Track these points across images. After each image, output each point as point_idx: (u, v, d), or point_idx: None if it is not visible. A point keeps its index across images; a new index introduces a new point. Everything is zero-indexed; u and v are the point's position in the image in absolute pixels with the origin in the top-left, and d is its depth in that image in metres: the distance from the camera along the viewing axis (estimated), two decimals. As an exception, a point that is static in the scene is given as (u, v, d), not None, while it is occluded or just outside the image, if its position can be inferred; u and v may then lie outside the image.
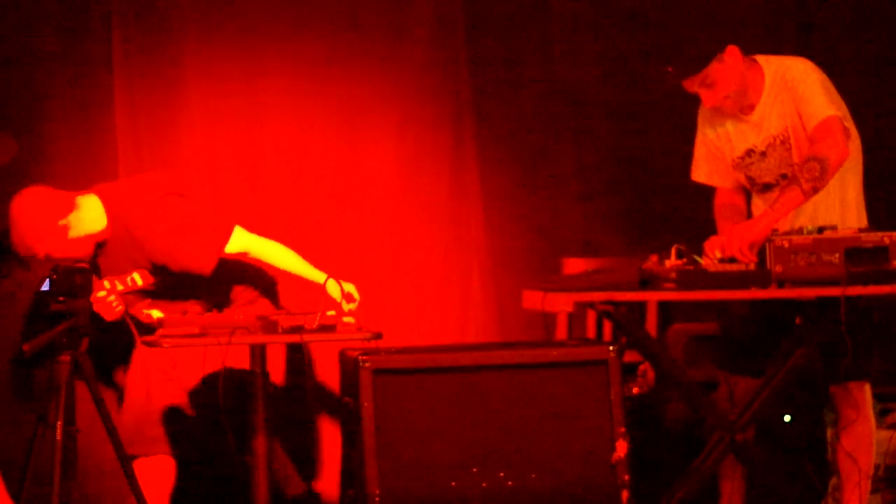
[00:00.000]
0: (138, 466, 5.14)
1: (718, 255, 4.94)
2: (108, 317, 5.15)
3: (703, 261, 4.92)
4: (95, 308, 5.05)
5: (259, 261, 5.27)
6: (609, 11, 6.41)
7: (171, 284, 5.27)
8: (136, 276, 5.26)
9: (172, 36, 6.06)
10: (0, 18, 5.93)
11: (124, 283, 5.23)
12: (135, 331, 5.16)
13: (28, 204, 5.17)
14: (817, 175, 4.95)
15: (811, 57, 5.32)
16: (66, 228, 5.16)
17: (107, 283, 5.19)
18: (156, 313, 4.99)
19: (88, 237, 5.23)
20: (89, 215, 5.22)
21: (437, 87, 6.28)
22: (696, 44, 5.19)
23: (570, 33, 6.40)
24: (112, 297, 5.15)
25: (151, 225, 5.18)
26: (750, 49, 5.20)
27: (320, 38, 6.15)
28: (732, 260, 4.91)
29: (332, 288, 5.13)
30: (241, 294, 5.36)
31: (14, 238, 5.17)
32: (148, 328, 5.02)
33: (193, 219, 5.21)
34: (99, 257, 5.30)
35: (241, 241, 5.22)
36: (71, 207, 5.18)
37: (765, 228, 4.94)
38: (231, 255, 5.22)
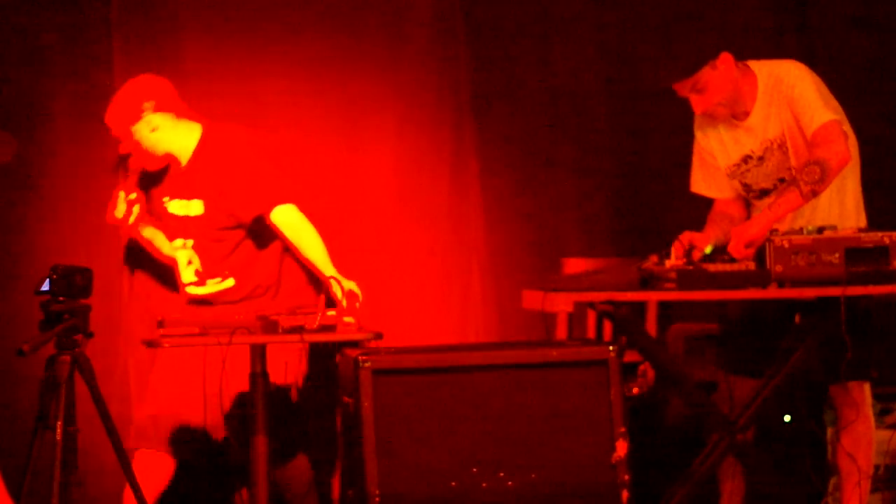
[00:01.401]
0: (138, 459, 5.21)
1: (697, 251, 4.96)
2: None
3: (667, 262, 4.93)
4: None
5: (290, 242, 5.32)
6: (609, 12, 6.40)
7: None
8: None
9: (172, 36, 6.06)
10: (0, 19, 5.93)
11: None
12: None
13: (137, 81, 5.41)
14: (817, 178, 4.96)
15: (811, 57, 5.32)
16: (151, 123, 5.34)
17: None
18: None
19: (167, 154, 5.41)
20: (181, 134, 5.39)
21: (437, 87, 6.27)
22: (696, 45, 5.19)
23: (570, 33, 6.40)
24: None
25: (225, 152, 5.35)
26: (749, 51, 5.20)
27: (320, 38, 6.15)
28: (731, 260, 4.92)
29: (334, 286, 5.13)
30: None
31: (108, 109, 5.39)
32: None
33: (261, 166, 5.33)
34: (163, 181, 5.47)
35: (291, 216, 5.29)
36: (170, 114, 5.37)
37: (762, 229, 4.95)
38: (275, 224, 5.29)
